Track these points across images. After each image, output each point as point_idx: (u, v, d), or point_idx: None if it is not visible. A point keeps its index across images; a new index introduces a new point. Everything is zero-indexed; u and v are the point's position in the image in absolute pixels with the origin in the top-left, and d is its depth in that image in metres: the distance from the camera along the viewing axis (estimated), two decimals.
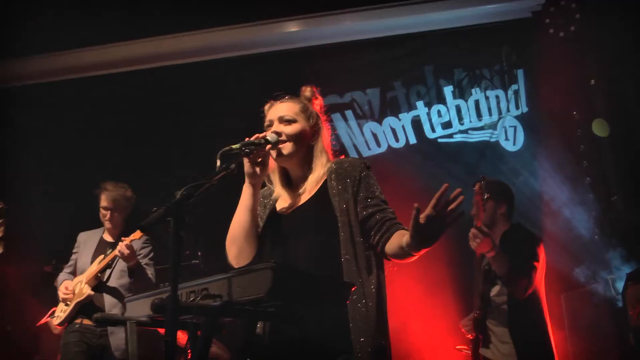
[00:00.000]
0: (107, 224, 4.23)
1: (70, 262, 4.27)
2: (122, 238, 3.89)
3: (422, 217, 1.72)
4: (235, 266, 2.07)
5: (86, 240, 4.29)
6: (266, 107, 2.20)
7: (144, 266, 4.05)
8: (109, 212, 4.20)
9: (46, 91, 5.93)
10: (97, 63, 5.88)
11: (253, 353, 2.00)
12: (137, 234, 3.83)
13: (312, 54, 5.64)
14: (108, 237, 4.30)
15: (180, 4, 5.29)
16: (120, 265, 4.03)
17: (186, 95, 5.65)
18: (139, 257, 4.01)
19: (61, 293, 4.00)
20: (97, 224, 4.31)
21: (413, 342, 4.54)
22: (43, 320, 4.01)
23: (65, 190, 5.30)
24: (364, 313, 1.90)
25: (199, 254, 4.93)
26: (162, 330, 4.83)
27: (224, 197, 2.03)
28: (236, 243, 2.08)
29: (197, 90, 5.68)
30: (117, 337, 3.90)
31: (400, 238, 1.89)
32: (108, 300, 4.01)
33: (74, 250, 4.30)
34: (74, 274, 4.24)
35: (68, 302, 4.00)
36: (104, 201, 4.20)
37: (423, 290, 4.52)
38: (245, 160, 1.99)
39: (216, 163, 1.80)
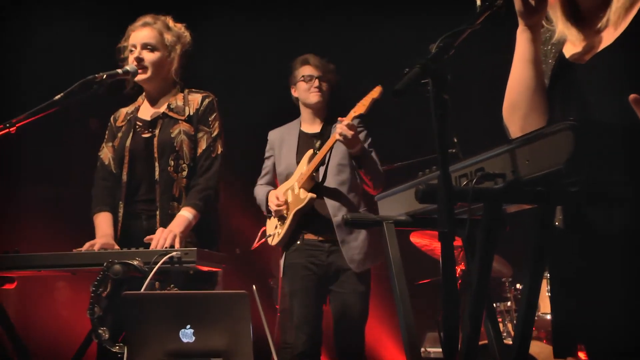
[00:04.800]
0: (316, 96, 3.28)
1: (265, 170, 3.47)
2: (339, 118, 3.02)
3: None
4: None
5: (282, 137, 3.41)
6: None
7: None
8: (317, 79, 3.28)
9: None
10: None
11: (548, 257, 1.43)
12: (361, 107, 3.01)
13: None
14: (309, 128, 3.40)
15: None
16: (337, 157, 3.19)
17: None
18: None
19: (273, 205, 3.20)
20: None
21: None
22: (256, 244, 3.48)
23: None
24: None
25: (454, 140, 3.60)
26: (419, 236, 4.13)
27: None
28: (520, 108, 1.52)
29: None
30: (350, 247, 3.13)
31: None
32: (330, 204, 3.16)
33: (267, 155, 3.47)
34: (272, 183, 3.45)
35: (285, 215, 3.22)
36: (309, 70, 3.32)
37: None
38: None
39: (476, 4, 1.34)
